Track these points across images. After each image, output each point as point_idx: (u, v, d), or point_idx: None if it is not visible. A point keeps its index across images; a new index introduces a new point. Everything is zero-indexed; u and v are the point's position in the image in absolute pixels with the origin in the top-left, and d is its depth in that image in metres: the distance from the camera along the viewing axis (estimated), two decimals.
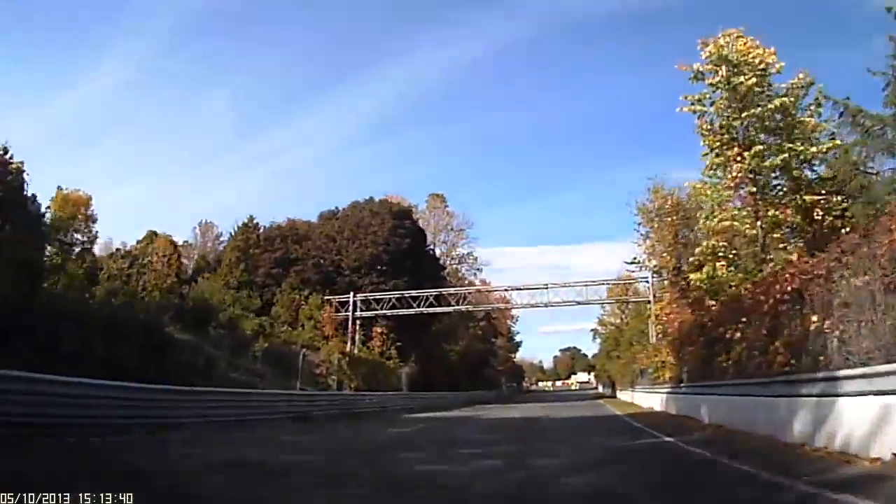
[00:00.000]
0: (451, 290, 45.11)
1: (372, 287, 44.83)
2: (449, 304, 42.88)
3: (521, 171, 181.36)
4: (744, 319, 14.42)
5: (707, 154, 21.53)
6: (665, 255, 31.98)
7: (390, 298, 42.23)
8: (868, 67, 17.38)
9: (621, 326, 67.88)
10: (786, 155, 19.10)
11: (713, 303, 19.37)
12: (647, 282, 37.36)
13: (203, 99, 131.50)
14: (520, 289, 39.92)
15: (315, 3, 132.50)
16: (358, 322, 43.09)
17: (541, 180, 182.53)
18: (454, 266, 68.03)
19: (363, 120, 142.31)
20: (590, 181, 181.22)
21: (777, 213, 18.72)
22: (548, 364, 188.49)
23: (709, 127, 21.76)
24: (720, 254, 19.26)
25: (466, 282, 65.69)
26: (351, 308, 42.11)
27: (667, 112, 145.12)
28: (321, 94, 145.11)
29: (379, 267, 47.17)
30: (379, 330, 41.25)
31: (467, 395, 60.11)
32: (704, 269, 19.94)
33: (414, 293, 42.53)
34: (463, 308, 44.97)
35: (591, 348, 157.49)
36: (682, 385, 22.72)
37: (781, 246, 19.01)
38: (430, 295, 41.55)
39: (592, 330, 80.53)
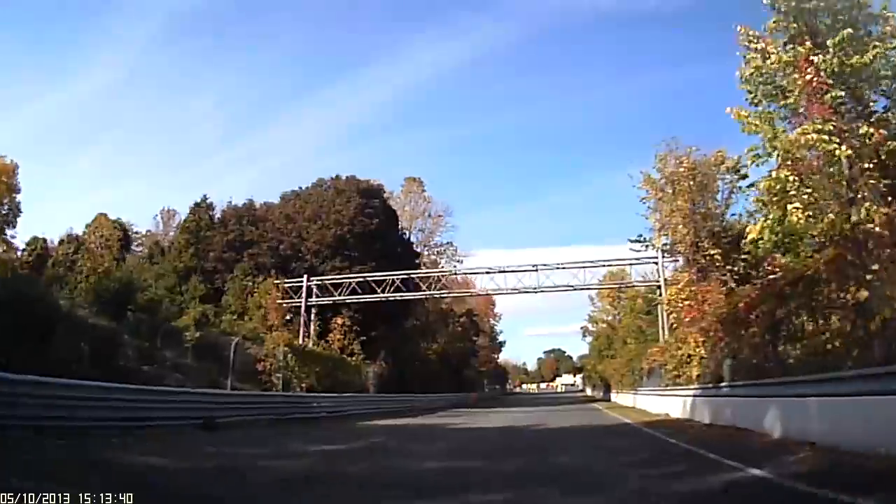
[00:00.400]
0: (423, 272, 38.56)
1: (335, 273, 38.62)
2: (420, 291, 36.28)
3: (507, 173, 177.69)
4: (874, 267, 8.69)
5: (757, 69, 15.83)
6: (681, 226, 26.23)
7: (350, 283, 35.86)
8: None
9: (614, 324, 62.45)
10: (878, 50, 13.43)
11: (785, 262, 13.46)
12: (656, 262, 31.54)
13: (190, 99, 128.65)
14: (505, 271, 33.90)
15: (303, 4, 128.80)
16: (313, 311, 36.72)
17: (527, 183, 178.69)
18: (432, 257, 61.98)
19: (349, 120, 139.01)
20: (577, 183, 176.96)
21: (870, 129, 12.96)
22: (532, 367, 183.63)
23: (754, 35, 16.16)
24: (792, 192, 13.41)
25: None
26: (304, 294, 35.74)
27: (657, 114, 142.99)
28: (308, 96, 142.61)
29: (343, 251, 41.03)
30: (340, 321, 35.04)
31: (444, 397, 54.33)
32: (770, 216, 14.07)
33: (378, 276, 36.13)
34: (436, 294, 38.38)
35: (576, 350, 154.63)
36: (721, 384, 16.95)
37: (872, 182, 13.23)
38: (397, 279, 35.24)
39: (582, 328, 74.99)
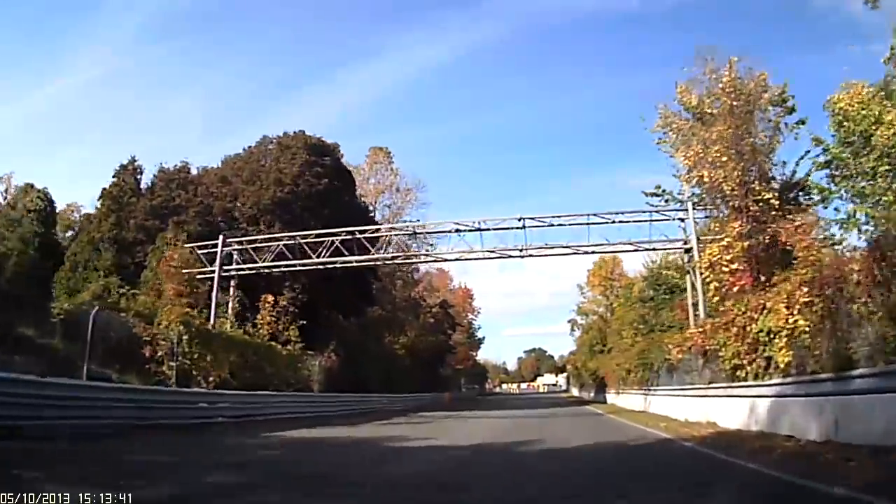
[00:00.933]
0: (371, 228, 29.17)
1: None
2: (369, 255, 27.29)
3: (491, 172, 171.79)
4: None
5: None
6: (725, 159, 18.88)
7: (278, 245, 27.62)
8: None
9: (607, 316, 55.29)
10: None
11: None
12: (682, 219, 23.79)
13: (172, 98, 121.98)
14: (480, 229, 25.49)
15: (285, 3, 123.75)
16: (233, 283, 28.55)
17: (512, 182, 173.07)
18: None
19: (332, 119, 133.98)
20: (564, 184, 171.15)
21: None
22: (512, 366, 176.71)
23: None
24: None
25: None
26: (218, 260, 27.45)
27: (645, 115, 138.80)
28: (290, 95, 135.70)
29: (284, 216, 33.17)
30: (270, 299, 27.22)
31: (414, 397, 46.92)
32: None
33: (312, 235, 27.62)
34: (388, 260, 29.18)
35: (557, 350, 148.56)
36: (853, 372, 9.67)
37: None
38: (337, 239, 27.04)
39: (570, 321, 67.65)
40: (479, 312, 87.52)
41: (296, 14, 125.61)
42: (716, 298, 19.02)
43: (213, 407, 18.26)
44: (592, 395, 52.68)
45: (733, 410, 14.89)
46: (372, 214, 44.97)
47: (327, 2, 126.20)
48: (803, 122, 21.90)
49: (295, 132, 38.18)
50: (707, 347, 16.30)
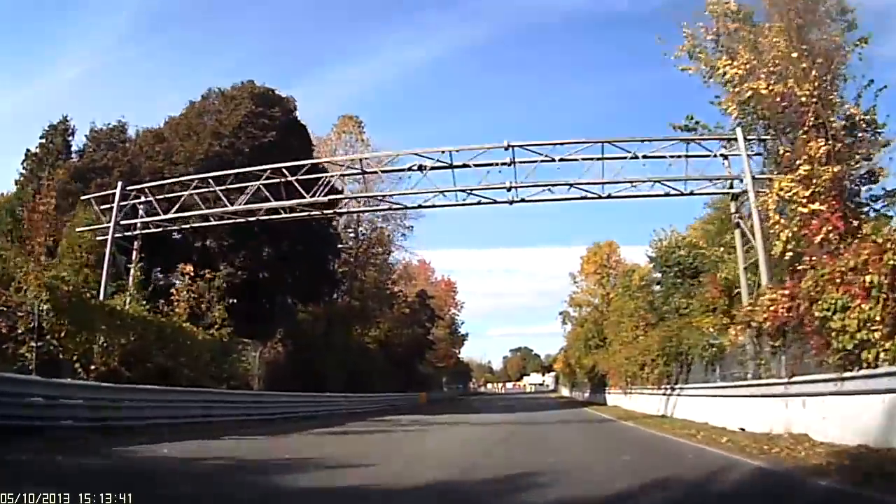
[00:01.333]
0: (309, 164, 20.91)
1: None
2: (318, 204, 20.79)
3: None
4: None
5: None
6: (797, 56, 13.27)
7: (192, 195, 21.17)
8: None
9: (603, 308, 49.77)
10: None
11: None
12: (724, 156, 17.53)
13: (160, 97, 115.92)
14: (455, 166, 16.70)
15: (270, 2, 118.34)
16: (136, 245, 21.80)
17: None
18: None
19: (317, 120, 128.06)
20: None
21: None
22: (497, 366, 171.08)
23: None
24: None
25: (387, 234, 46.16)
26: (115, 211, 20.53)
27: (633, 115, 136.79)
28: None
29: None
30: (189, 269, 21.20)
31: (384, 397, 41.14)
32: None
33: (231, 177, 20.81)
34: (326, 201, 20.62)
35: (543, 349, 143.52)
36: None
37: None
38: (261, 183, 19.74)
39: (562, 313, 61.92)
40: (462, 307, 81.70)
41: (280, 14, 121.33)
42: (785, 255, 13.33)
43: (57, 404, 12.30)
44: (588, 395, 47.08)
45: (845, 416, 9.25)
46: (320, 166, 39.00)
47: (313, 1, 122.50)
48: (866, 41, 16.38)
49: (242, 82, 32.23)
50: (806, 318, 10.39)
